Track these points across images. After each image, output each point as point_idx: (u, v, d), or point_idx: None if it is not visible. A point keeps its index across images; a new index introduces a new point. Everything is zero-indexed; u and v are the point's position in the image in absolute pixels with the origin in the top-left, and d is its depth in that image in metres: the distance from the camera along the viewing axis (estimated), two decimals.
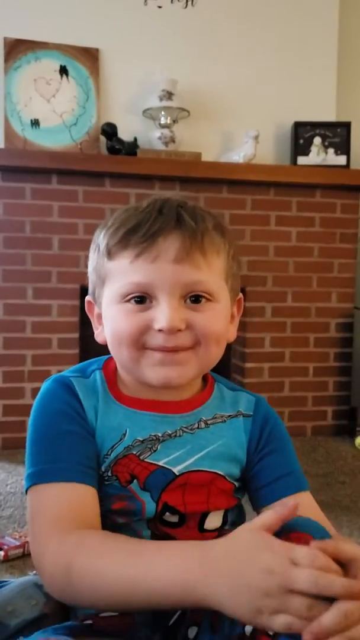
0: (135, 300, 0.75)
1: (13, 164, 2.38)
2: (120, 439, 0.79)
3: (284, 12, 2.81)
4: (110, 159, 2.51)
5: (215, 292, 0.77)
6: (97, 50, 2.62)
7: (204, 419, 0.83)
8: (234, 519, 0.85)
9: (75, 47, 2.59)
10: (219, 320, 0.79)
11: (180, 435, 0.81)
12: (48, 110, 2.56)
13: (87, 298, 0.86)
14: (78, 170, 2.44)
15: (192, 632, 0.73)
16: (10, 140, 2.50)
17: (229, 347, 3.02)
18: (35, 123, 2.54)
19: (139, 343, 0.75)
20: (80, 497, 0.74)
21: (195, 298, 0.76)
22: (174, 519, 0.79)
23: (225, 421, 0.85)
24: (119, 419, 0.80)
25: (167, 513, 0.79)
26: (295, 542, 0.57)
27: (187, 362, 0.77)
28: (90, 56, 2.61)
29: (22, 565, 1.40)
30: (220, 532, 0.81)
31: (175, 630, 0.75)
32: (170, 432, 0.80)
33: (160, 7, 2.69)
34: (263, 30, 2.79)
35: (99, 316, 0.83)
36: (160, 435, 0.80)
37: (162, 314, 0.73)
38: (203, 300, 0.76)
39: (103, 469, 0.78)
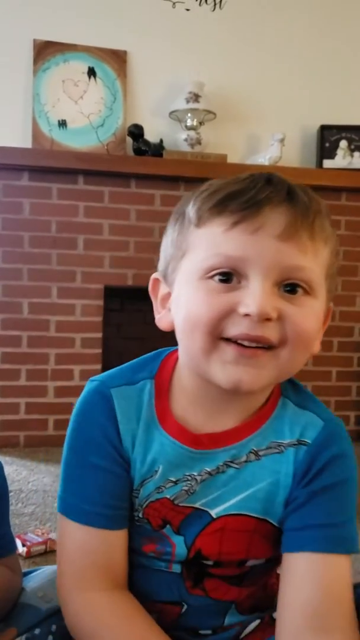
0: (220, 278, 0.61)
1: (40, 164, 2.40)
2: (152, 476, 0.69)
3: (311, 15, 2.80)
4: (136, 160, 2.52)
5: (315, 285, 0.62)
6: (125, 52, 2.63)
7: (255, 449, 0.69)
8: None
9: (104, 49, 2.60)
10: (315, 319, 0.63)
11: (223, 472, 0.68)
12: (75, 112, 2.58)
13: (154, 275, 0.71)
14: (104, 171, 2.46)
15: None
16: (37, 141, 2.52)
17: None
18: (62, 124, 2.56)
19: (217, 331, 0.60)
20: (107, 546, 0.67)
21: (292, 287, 0.61)
22: (209, 562, 0.71)
23: (282, 451, 0.69)
24: (155, 452, 0.69)
25: (201, 560, 0.70)
26: None
27: (265, 366, 0.62)
28: (118, 58, 2.62)
29: (44, 562, 1.40)
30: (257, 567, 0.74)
31: None
32: (210, 470, 0.68)
33: (188, 9, 2.70)
34: (290, 34, 2.78)
35: (165, 297, 0.69)
36: (196, 474, 0.68)
37: (253, 297, 0.59)
38: (300, 291, 0.62)
39: (134, 506, 0.70)
